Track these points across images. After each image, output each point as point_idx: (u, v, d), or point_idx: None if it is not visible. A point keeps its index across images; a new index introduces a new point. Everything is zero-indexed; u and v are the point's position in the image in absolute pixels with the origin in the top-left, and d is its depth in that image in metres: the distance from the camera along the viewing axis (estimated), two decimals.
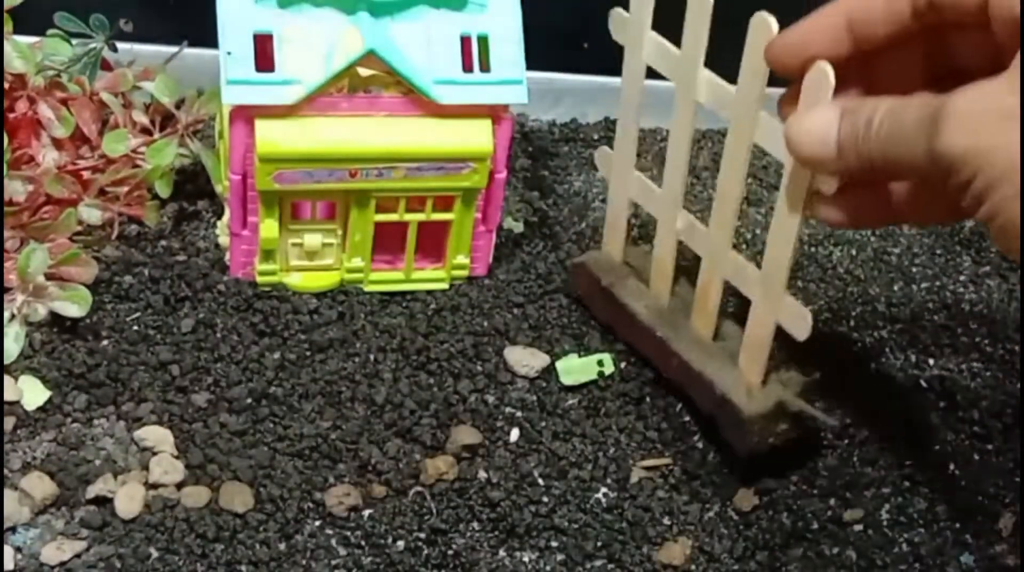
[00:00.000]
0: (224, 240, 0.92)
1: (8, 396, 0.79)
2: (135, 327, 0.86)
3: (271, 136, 0.83)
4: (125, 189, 0.93)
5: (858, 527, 0.82)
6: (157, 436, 0.79)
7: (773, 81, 0.72)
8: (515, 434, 0.84)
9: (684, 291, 0.89)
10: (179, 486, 0.77)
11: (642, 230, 1.01)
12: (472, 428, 0.83)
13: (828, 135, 0.65)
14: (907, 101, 0.60)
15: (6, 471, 0.76)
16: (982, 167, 0.55)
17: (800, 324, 0.77)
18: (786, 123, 0.69)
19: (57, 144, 0.94)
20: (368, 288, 0.92)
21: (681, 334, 0.87)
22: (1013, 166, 0.54)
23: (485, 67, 0.86)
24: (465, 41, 0.86)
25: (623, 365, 0.90)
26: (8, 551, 0.71)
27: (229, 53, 0.81)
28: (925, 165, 0.58)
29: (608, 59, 0.91)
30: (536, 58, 0.89)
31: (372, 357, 0.87)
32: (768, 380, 0.82)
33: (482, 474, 0.80)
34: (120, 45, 1.01)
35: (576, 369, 0.89)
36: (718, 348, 0.85)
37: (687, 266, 0.88)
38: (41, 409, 0.80)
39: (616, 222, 0.93)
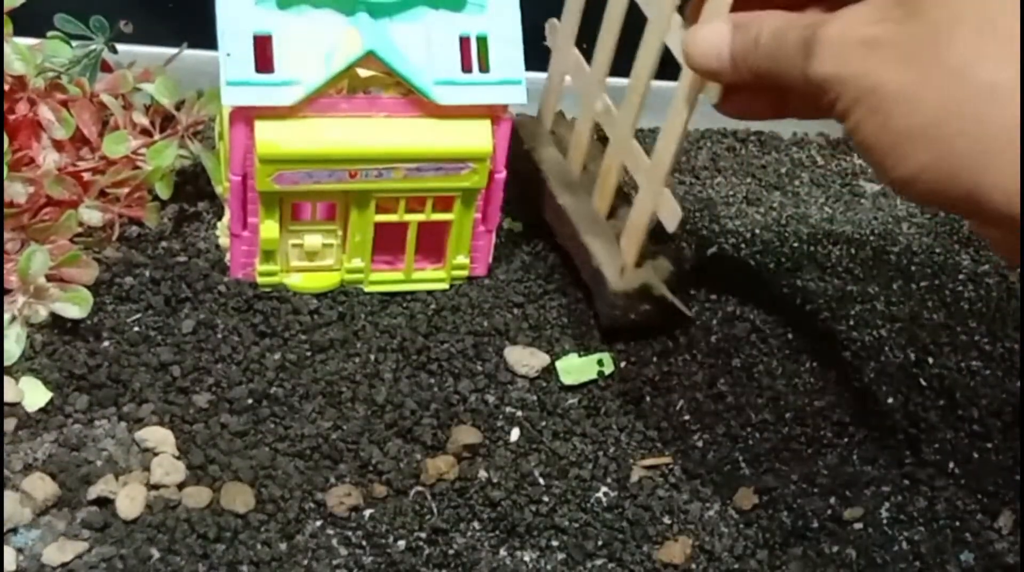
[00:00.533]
0: (224, 241, 0.92)
1: (9, 397, 0.79)
2: (136, 328, 0.87)
3: (271, 137, 0.83)
4: (125, 190, 0.93)
5: (858, 525, 0.82)
6: (158, 437, 0.79)
7: None
8: (515, 434, 0.84)
9: (596, 168, 0.95)
10: (180, 487, 0.77)
11: None
12: (472, 428, 0.83)
13: (721, 48, 0.71)
14: (791, 22, 0.66)
15: (7, 472, 0.76)
16: (842, 91, 0.61)
17: (671, 217, 0.85)
18: (684, 35, 0.74)
19: (57, 146, 0.94)
20: (368, 288, 0.92)
21: (580, 206, 0.95)
22: (868, 91, 0.60)
23: (484, 67, 0.86)
24: (464, 42, 0.86)
25: (623, 364, 0.90)
26: (9, 552, 0.71)
27: (229, 54, 0.81)
28: (802, 83, 0.64)
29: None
30: (535, 58, 0.89)
31: (372, 357, 0.87)
32: (643, 263, 0.90)
33: (483, 474, 0.81)
34: (120, 47, 1.01)
35: (576, 369, 0.89)
36: (609, 226, 0.93)
37: (606, 146, 0.93)
38: (42, 410, 0.80)
39: (552, 91, 1.02)
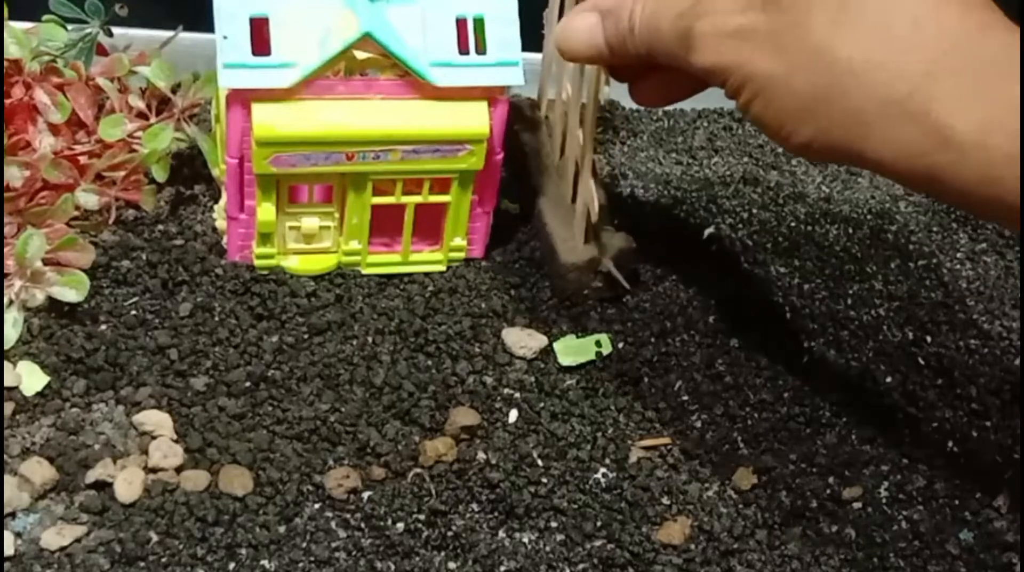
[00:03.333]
0: (221, 224, 0.92)
1: (7, 381, 0.79)
2: (133, 312, 0.86)
3: (268, 119, 0.83)
4: (122, 174, 0.93)
5: (857, 505, 0.82)
6: (156, 420, 0.79)
7: None
8: (514, 415, 0.84)
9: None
10: (178, 470, 0.77)
11: None
12: (471, 410, 0.83)
13: (595, 37, 0.75)
14: (660, 7, 0.70)
15: (5, 457, 0.76)
16: (726, 78, 0.67)
17: (592, 205, 0.89)
18: (555, 29, 0.79)
19: (53, 130, 0.94)
20: (366, 271, 0.92)
21: (549, 189, 0.98)
22: (747, 78, 0.66)
23: (481, 49, 0.86)
24: (461, 23, 0.86)
25: (621, 345, 0.90)
26: (8, 537, 0.71)
27: (225, 37, 0.81)
28: (687, 70, 0.70)
29: None
30: (532, 40, 0.89)
31: (370, 339, 0.87)
32: (593, 241, 0.92)
33: (481, 455, 0.81)
34: (116, 30, 1.01)
35: (574, 349, 0.89)
36: (571, 208, 0.95)
37: None
38: (40, 394, 0.80)
39: (546, 75, 1.04)
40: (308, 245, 0.91)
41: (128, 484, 0.75)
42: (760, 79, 0.65)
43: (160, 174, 0.95)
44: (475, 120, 0.87)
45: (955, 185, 0.60)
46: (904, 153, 0.61)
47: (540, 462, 0.81)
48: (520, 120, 1.04)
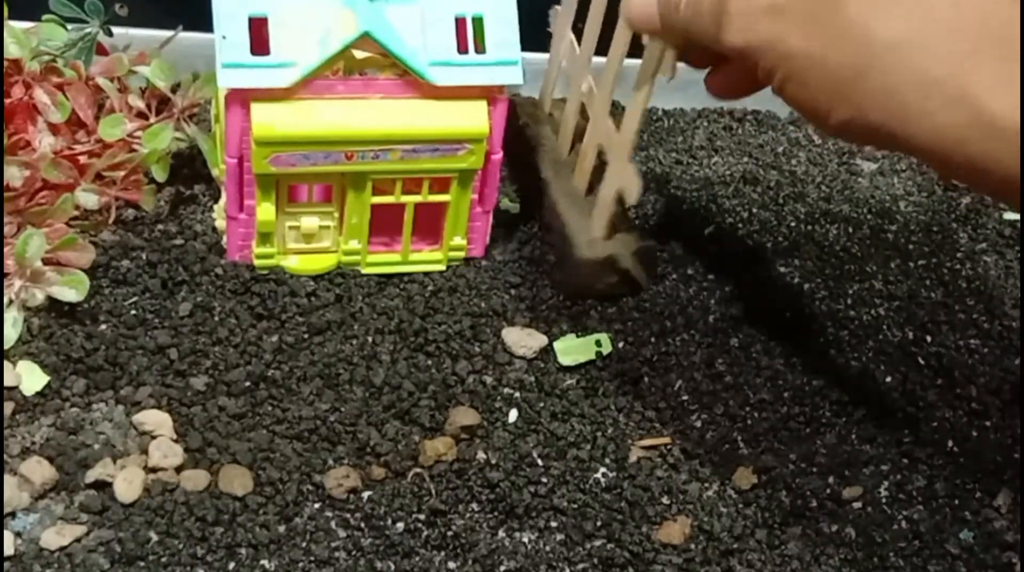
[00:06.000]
0: (221, 223, 0.92)
1: (7, 381, 0.79)
2: (133, 311, 0.86)
3: (267, 119, 0.83)
4: (122, 174, 0.93)
5: (857, 504, 0.82)
6: (156, 420, 0.79)
7: None
8: (513, 415, 0.84)
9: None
10: (178, 470, 0.77)
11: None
12: (471, 409, 0.83)
13: (652, 11, 0.76)
14: None
15: (5, 456, 0.76)
16: (759, 59, 0.66)
17: (633, 189, 0.87)
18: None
19: (53, 129, 0.94)
20: (365, 270, 0.92)
21: (561, 182, 0.97)
22: (782, 58, 0.65)
23: (480, 48, 0.86)
24: (460, 22, 0.86)
25: (621, 345, 0.90)
26: (8, 536, 0.71)
27: (224, 37, 0.81)
28: (720, 50, 0.69)
29: (603, 40, 0.91)
30: (531, 39, 0.89)
31: (370, 339, 0.87)
32: (613, 238, 0.92)
33: (481, 455, 0.81)
34: (115, 29, 1.01)
35: (574, 349, 0.89)
36: (585, 202, 0.95)
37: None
38: (40, 394, 0.80)
39: (551, 73, 1.05)
40: (308, 245, 0.91)
41: (128, 484, 0.75)
42: (795, 59, 0.64)
43: (160, 174, 0.95)
44: (474, 119, 0.87)
45: (998, 173, 0.59)
46: (943, 137, 0.60)
47: (540, 462, 0.81)
48: (522, 118, 1.03)
